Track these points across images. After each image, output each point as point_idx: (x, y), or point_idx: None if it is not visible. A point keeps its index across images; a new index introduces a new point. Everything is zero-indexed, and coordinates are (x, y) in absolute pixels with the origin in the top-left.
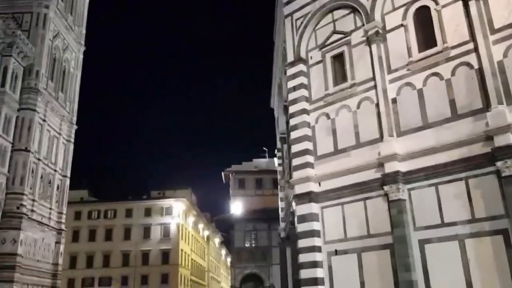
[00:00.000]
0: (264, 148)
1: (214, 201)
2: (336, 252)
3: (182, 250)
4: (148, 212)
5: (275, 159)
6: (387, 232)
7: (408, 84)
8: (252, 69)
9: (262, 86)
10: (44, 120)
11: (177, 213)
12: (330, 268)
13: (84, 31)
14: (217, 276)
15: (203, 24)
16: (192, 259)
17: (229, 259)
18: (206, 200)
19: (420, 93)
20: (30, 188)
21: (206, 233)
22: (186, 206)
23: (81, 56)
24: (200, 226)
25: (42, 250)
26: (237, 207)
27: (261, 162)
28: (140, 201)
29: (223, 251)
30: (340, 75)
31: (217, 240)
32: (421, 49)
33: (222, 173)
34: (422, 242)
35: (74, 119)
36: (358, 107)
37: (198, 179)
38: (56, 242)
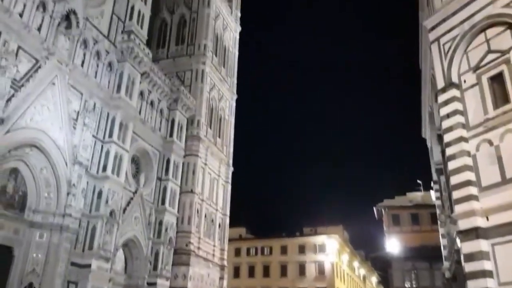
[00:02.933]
0: (418, 181)
1: (367, 238)
2: None
3: None
4: (302, 249)
5: (432, 192)
6: None
7: None
8: (398, 98)
9: (411, 115)
10: (205, 164)
11: (330, 250)
12: None
13: (235, 81)
14: None
15: (347, 57)
16: None
17: None
18: (358, 237)
19: None
20: (196, 227)
21: (362, 271)
22: (339, 243)
23: (234, 104)
24: (355, 264)
25: (208, 285)
26: (392, 245)
27: (416, 196)
28: (293, 238)
29: None
30: (501, 96)
31: (374, 280)
32: None
33: (374, 208)
34: None
35: (231, 161)
36: None
37: (348, 214)
38: (220, 278)
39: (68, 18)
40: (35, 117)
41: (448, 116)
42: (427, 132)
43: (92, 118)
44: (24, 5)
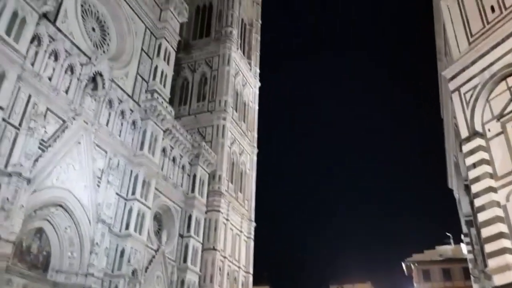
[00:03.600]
0: (447, 234)
1: None
2: None
3: None
4: None
5: (462, 245)
6: None
7: None
8: (421, 147)
9: (436, 165)
10: (227, 220)
11: None
12: None
13: (255, 135)
14: None
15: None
16: None
17: None
18: None
19: None
20: (219, 286)
21: None
22: None
23: (255, 158)
24: None
25: None
26: None
27: (446, 250)
28: None
29: None
30: None
31: None
32: None
33: (403, 263)
34: None
35: (253, 216)
36: None
37: (376, 269)
38: None
39: (94, 80)
40: (61, 176)
41: (474, 166)
42: (453, 183)
43: (116, 176)
44: (53, 69)
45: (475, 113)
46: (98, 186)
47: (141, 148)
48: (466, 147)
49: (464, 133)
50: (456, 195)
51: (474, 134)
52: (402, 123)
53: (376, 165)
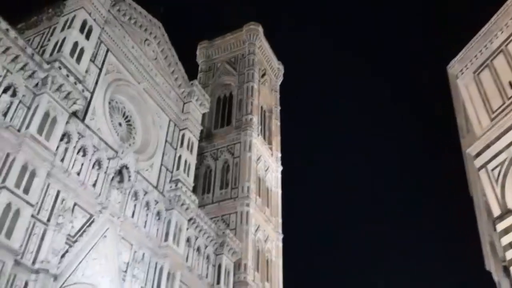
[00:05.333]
0: None
1: None
2: None
3: None
4: None
5: None
6: None
7: None
8: (457, 227)
9: (471, 246)
10: None
11: None
12: None
13: (280, 220)
14: None
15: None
16: None
17: None
18: None
19: None
20: None
21: None
22: None
23: (280, 244)
24: None
25: None
26: None
27: None
28: None
29: None
30: None
31: None
32: None
33: None
34: None
35: None
36: None
37: None
38: None
39: (120, 172)
40: (87, 271)
41: (511, 245)
42: (491, 264)
43: (141, 269)
44: (82, 164)
45: (506, 190)
46: (124, 280)
47: (166, 239)
48: (499, 226)
49: (496, 211)
50: (496, 278)
51: (506, 212)
52: (431, 199)
53: (413, 245)
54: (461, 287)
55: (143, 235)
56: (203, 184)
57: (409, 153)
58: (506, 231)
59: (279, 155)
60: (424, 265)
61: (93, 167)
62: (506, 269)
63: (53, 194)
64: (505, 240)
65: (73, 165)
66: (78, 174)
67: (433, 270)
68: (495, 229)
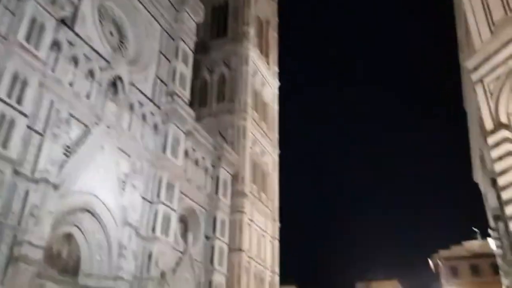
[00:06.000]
0: (474, 229)
1: None
2: None
3: None
4: None
5: (490, 240)
6: None
7: None
8: (445, 141)
9: (460, 159)
10: (251, 221)
11: None
12: None
13: (277, 135)
14: None
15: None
16: None
17: None
18: None
19: None
20: (246, 287)
21: None
22: None
23: (277, 158)
24: None
25: None
26: None
27: (474, 245)
28: None
29: None
30: None
31: None
32: None
33: (429, 260)
34: None
35: (277, 217)
36: None
37: (402, 266)
38: None
39: (114, 84)
40: (87, 181)
41: (500, 158)
42: (479, 176)
43: (140, 180)
44: (74, 75)
45: (500, 104)
46: (123, 190)
47: (164, 151)
48: (491, 140)
49: (489, 125)
50: (482, 189)
51: (499, 126)
52: (425, 115)
53: (400, 160)
54: (450, 198)
55: (140, 147)
56: (199, 98)
57: (407, 68)
58: (497, 145)
59: (277, 69)
60: (416, 179)
61: (86, 78)
62: (493, 181)
63: (47, 105)
64: (495, 153)
65: (65, 75)
66: (71, 85)
67: (425, 184)
68: (486, 143)
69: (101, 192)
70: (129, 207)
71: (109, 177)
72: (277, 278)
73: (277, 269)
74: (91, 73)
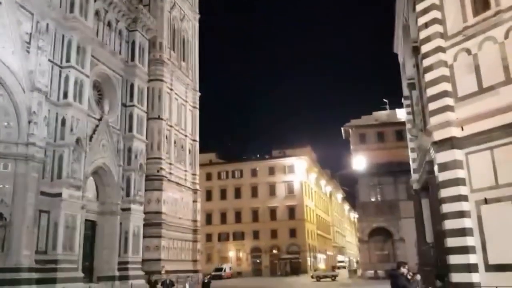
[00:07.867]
0: (384, 100)
1: (334, 157)
2: (486, 201)
3: (306, 206)
4: (272, 171)
5: (397, 110)
6: None
7: None
8: (368, 16)
9: (377, 35)
10: (171, 89)
11: (299, 171)
12: (479, 218)
13: None
14: (341, 230)
15: None
16: (316, 214)
17: (352, 214)
18: (326, 157)
19: None
20: (166, 153)
21: (328, 189)
22: (307, 163)
23: (197, 24)
24: (322, 182)
25: (182, 208)
26: (359, 162)
27: (382, 115)
28: (263, 161)
29: (346, 206)
30: (481, 3)
31: (339, 196)
32: None
33: (342, 128)
34: None
35: (197, 86)
36: (506, 37)
37: (316, 135)
38: (193, 201)
39: None
40: None
41: (426, 25)
42: (399, 47)
43: (47, 41)
44: None
45: None
46: (28, 52)
47: (71, 10)
48: (419, 6)
49: None
50: (401, 59)
51: None
52: None
53: (320, 31)
54: (365, 71)
55: (44, 3)
56: None
57: None
58: (424, 12)
59: None
60: (334, 50)
61: None
62: (415, 49)
63: None
64: (422, 20)
65: None
66: None
67: (343, 57)
68: (414, 10)
69: (3, 54)
70: (36, 71)
71: (10, 37)
72: (197, 146)
73: (197, 137)
74: None
